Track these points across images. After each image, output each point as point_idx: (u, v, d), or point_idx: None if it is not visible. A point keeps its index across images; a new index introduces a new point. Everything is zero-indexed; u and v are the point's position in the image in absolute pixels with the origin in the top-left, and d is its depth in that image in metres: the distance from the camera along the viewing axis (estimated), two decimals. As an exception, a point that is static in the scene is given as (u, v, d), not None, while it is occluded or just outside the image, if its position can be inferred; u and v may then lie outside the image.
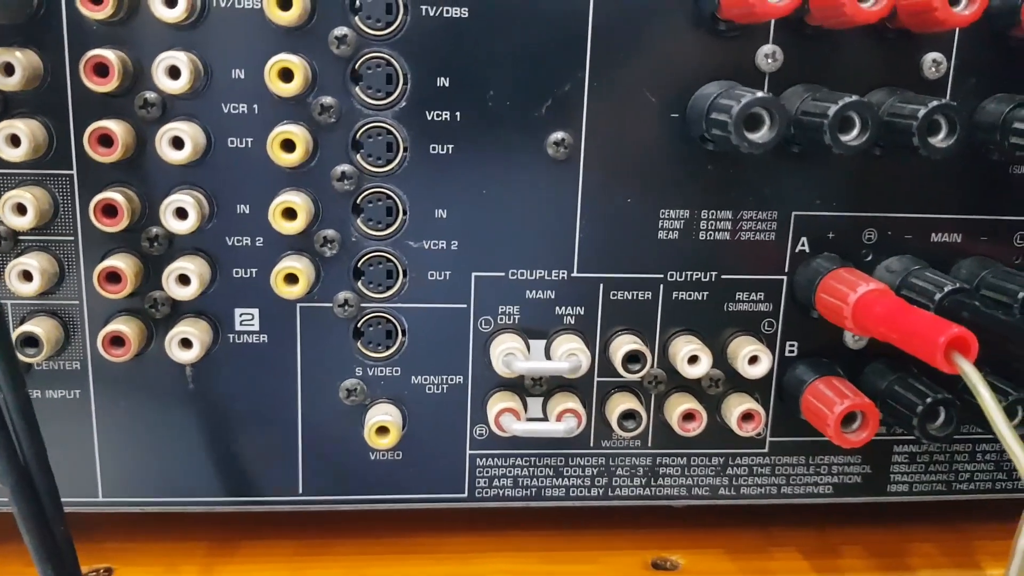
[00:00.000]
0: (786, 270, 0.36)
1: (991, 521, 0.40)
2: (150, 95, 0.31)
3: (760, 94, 0.30)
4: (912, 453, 0.39)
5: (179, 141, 0.31)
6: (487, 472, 0.37)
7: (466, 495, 0.37)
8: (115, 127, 0.31)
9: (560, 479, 0.37)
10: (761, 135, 0.30)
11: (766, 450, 0.38)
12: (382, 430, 0.34)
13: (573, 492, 0.37)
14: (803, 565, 0.39)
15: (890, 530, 0.41)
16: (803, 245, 0.35)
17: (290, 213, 0.32)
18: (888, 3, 0.30)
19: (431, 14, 0.32)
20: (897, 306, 0.31)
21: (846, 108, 0.30)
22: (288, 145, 0.31)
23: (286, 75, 0.31)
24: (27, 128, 0.30)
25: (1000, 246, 0.36)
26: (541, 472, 0.37)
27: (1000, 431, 0.26)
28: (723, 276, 0.35)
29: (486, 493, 0.37)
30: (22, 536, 0.27)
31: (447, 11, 0.32)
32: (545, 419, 0.35)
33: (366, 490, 0.36)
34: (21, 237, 0.32)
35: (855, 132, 0.31)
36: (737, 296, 0.36)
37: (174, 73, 0.30)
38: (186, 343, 0.33)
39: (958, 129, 0.31)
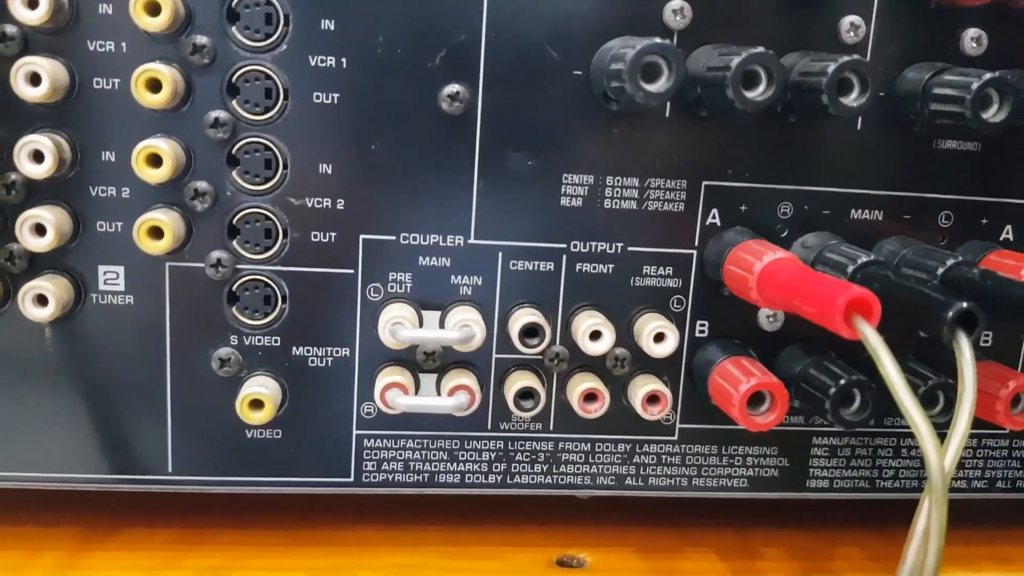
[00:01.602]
0: (696, 244, 0.34)
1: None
2: (9, 29, 0.29)
3: (657, 40, 0.28)
4: (832, 446, 0.36)
5: (37, 77, 0.29)
6: (375, 455, 0.34)
7: (352, 479, 0.34)
8: (-36, 59, 0.28)
9: (455, 464, 0.35)
10: (659, 86, 0.28)
11: (675, 437, 0.35)
12: (256, 403, 0.32)
13: (469, 479, 0.35)
14: (719, 566, 0.36)
15: (812, 531, 0.39)
16: (714, 218, 0.34)
17: (155, 160, 0.29)
18: (794, -49, 0.28)
19: (315, -49, 0.30)
20: (802, 272, 0.29)
21: (749, 60, 0.28)
22: (155, 85, 0.29)
23: (153, 9, 0.29)
24: None
25: (924, 225, 0.35)
26: (434, 456, 0.34)
27: (899, 398, 0.24)
28: (629, 248, 0.33)
29: (374, 478, 0.34)
30: None
31: (332, -55, 0.30)
32: (437, 395, 0.33)
33: (243, 471, 0.34)
34: None
35: (761, 88, 0.29)
36: (644, 270, 0.34)
37: (32, 3, 0.28)
38: (42, 299, 0.30)
39: (870, 86, 0.29)
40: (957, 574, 0.37)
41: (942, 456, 0.24)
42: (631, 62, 0.28)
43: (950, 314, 0.26)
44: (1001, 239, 0.35)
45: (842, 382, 0.31)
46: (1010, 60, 0.33)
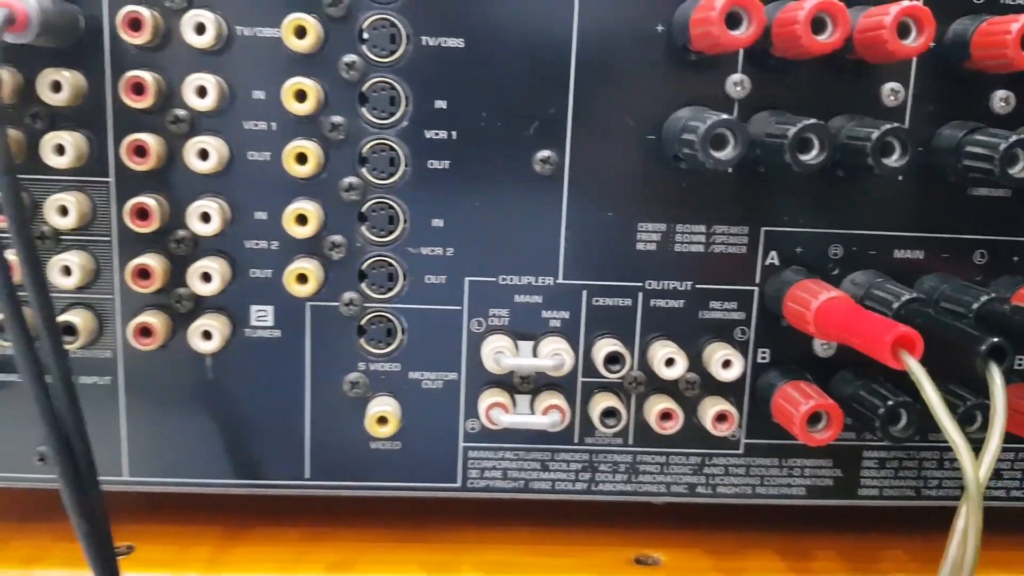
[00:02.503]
0: (757, 281, 0.38)
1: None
2: (180, 112, 0.35)
3: (724, 116, 0.33)
4: (881, 459, 0.41)
5: (205, 153, 0.35)
6: (478, 464, 0.40)
7: (459, 485, 0.40)
8: (149, 140, 0.35)
9: (546, 473, 0.40)
10: (725, 153, 0.33)
11: (741, 451, 0.40)
12: (382, 420, 0.37)
13: (558, 486, 0.40)
14: (779, 566, 0.41)
15: (862, 535, 0.43)
16: (773, 259, 0.38)
17: (302, 219, 0.36)
18: (841, 35, 0.33)
19: (430, 44, 0.35)
20: (854, 311, 0.33)
21: (805, 130, 0.33)
22: (302, 158, 0.35)
23: (301, 96, 0.35)
24: (72, 139, 0.34)
25: (960, 263, 0.39)
26: (529, 466, 0.40)
27: (940, 419, 0.29)
28: (698, 286, 0.38)
29: (477, 484, 0.40)
30: (62, 500, 0.31)
31: (445, 42, 0.35)
32: (532, 414, 0.38)
33: (367, 477, 0.39)
34: (63, 236, 0.36)
35: (814, 152, 0.34)
36: (711, 304, 0.39)
37: (202, 92, 0.34)
38: (207, 335, 0.36)
39: (910, 150, 0.34)
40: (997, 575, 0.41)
41: (977, 468, 0.28)
42: (702, 135, 0.33)
43: (983, 348, 0.31)
44: (1033, 274, 0.39)
45: (890, 403, 0.36)
46: (1037, 118, 0.37)
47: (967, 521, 0.28)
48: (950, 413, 0.30)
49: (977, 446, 0.29)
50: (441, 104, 0.36)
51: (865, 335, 0.32)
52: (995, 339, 0.30)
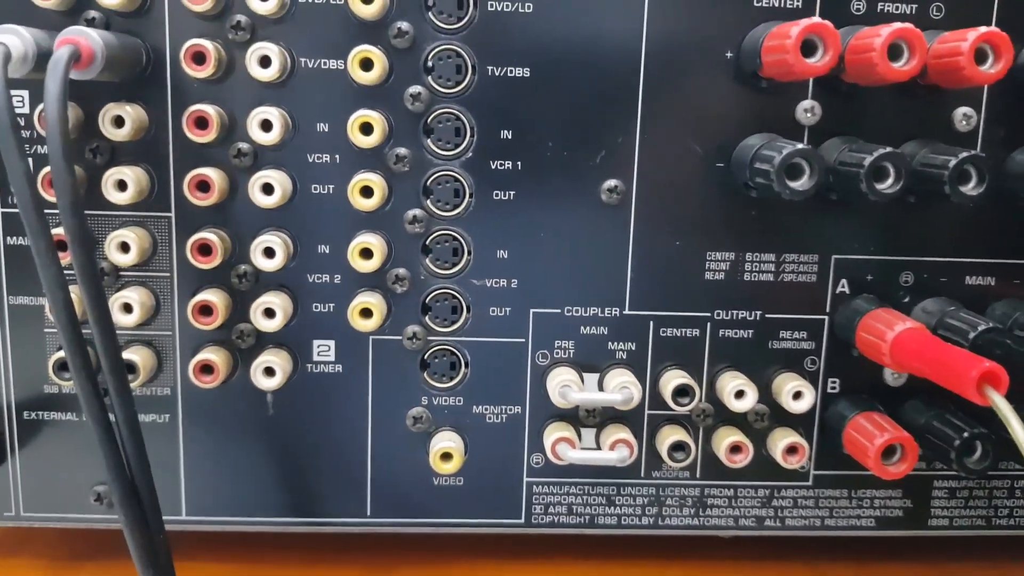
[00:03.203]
0: (827, 310, 0.38)
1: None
2: (243, 146, 0.34)
3: (800, 146, 0.32)
4: (952, 488, 0.40)
5: (269, 187, 0.34)
6: (543, 499, 0.39)
7: (523, 521, 0.39)
8: (212, 174, 0.34)
9: (612, 508, 0.39)
10: (802, 183, 0.33)
11: (810, 483, 0.39)
12: (446, 456, 0.37)
13: (625, 521, 0.39)
14: (846, 598, 0.40)
15: (932, 565, 0.42)
16: (843, 287, 0.38)
17: (367, 253, 0.35)
18: (918, 62, 0.32)
19: (496, 74, 0.35)
20: (932, 343, 0.33)
21: (881, 159, 0.33)
22: (367, 191, 0.34)
23: (366, 129, 0.34)
24: (133, 174, 0.34)
25: (1033, 289, 0.38)
26: (594, 500, 0.39)
27: (1030, 457, 0.28)
28: (767, 315, 0.38)
29: (542, 520, 0.39)
30: (127, 543, 0.30)
31: (510, 71, 0.35)
32: (599, 448, 0.37)
33: (430, 514, 0.39)
34: (123, 273, 0.36)
35: (889, 181, 0.33)
36: (781, 334, 0.38)
37: (266, 126, 0.34)
38: (269, 371, 0.36)
39: (987, 178, 0.33)
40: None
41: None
42: (778, 165, 0.32)
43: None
44: (1106, 299, 0.39)
45: (965, 435, 0.35)
46: (1111, 139, 0.37)
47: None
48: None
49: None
50: (507, 134, 0.35)
51: (946, 369, 0.31)
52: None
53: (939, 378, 0.32)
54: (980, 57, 0.33)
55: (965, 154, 0.33)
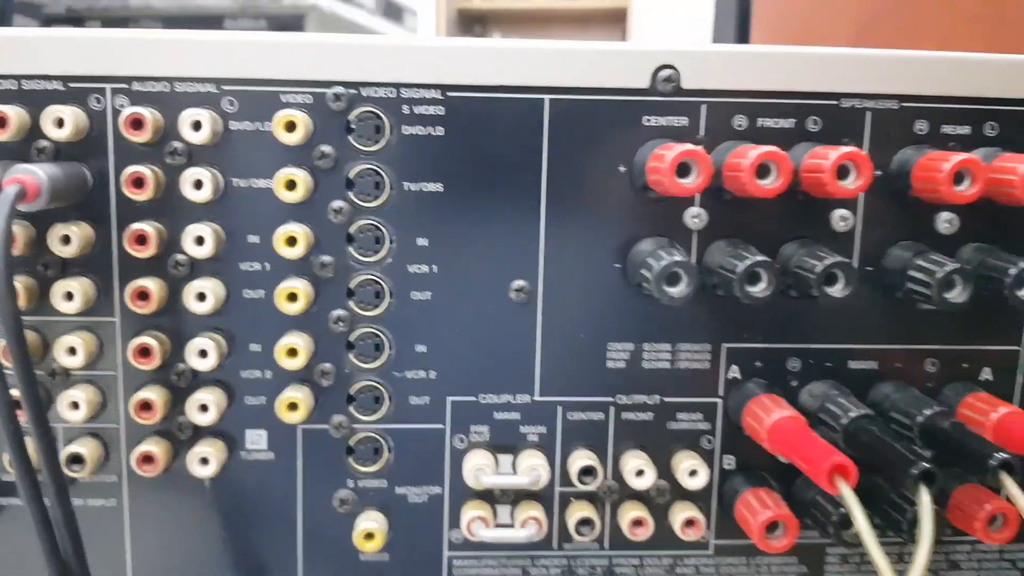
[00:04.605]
0: (720, 394, 0.41)
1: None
2: (181, 258, 0.38)
3: (677, 257, 0.36)
4: (843, 555, 0.43)
5: (203, 295, 0.38)
6: (462, 571, 0.42)
7: (444, 592, 0.42)
8: (151, 284, 0.37)
9: (527, 577, 0.42)
10: (678, 290, 0.36)
11: (711, 551, 0.43)
12: (368, 536, 0.40)
13: (539, 589, 0.43)
14: (753, 657, 0.43)
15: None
16: (734, 372, 0.41)
17: (292, 352, 0.38)
18: (784, 181, 0.36)
19: (411, 189, 0.38)
20: (799, 432, 0.36)
21: (753, 266, 0.36)
22: (292, 297, 0.38)
23: (291, 241, 0.37)
24: (80, 286, 0.37)
25: (913, 372, 0.42)
26: (510, 572, 0.42)
27: (867, 545, 0.32)
28: (665, 399, 0.41)
29: (462, 590, 0.42)
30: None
31: (424, 187, 0.38)
32: (511, 526, 0.41)
33: (357, 588, 0.42)
34: (72, 373, 0.39)
35: (762, 284, 0.37)
36: (679, 416, 0.41)
37: (200, 241, 0.37)
38: (204, 461, 0.39)
39: (853, 280, 0.37)
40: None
41: (904, 589, 0.31)
42: (657, 274, 0.36)
43: (913, 471, 0.33)
44: (980, 379, 0.42)
45: (842, 509, 0.39)
46: (978, 235, 0.40)
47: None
48: (876, 540, 0.32)
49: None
50: (423, 241, 0.39)
51: (807, 459, 0.35)
52: (926, 465, 0.33)
53: (802, 467, 0.35)
54: (843, 173, 0.36)
55: (831, 260, 0.37)
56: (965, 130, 0.40)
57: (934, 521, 0.32)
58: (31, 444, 0.34)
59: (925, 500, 0.33)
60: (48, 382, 0.39)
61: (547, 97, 0.38)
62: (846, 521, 0.39)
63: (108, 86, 0.37)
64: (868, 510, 0.38)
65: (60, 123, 0.36)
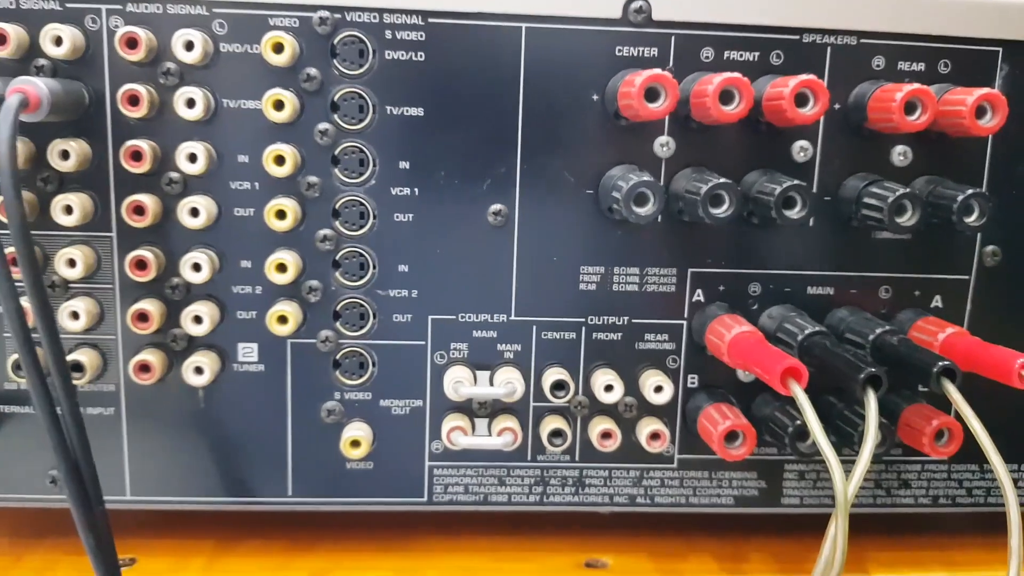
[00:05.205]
0: (686, 316, 0.44)
1: (874, 532, 0.47)
2: (174, 175, 0.40)
3: (645, 178, 0.38)
4: (801, 471, 0.46)
5: (196, 211, 0.40)
6: (443, 480, 0.45)
7: (425, 500, 0.45)
8: (146, 200, 0.39)
9: (503, 487, 0.45)
10: (646, 209, 0.38)
11: (675, 465, 0.45)
12: (355, 443, 0.42)
13: (514, 498, 0.45)
14: (714, 567, 0.46)
15: (791, 538, 0.48)
16: (699, 296, 0.43)
17: (282, 267, 0.40)
18: (746, 106, 0.38)
19: (394, 113, 0.40)
20: (756, 344, 0.39)
21: (716, 187, 0.38)
22: (281, 214, 0.40)
23: (280, 160, 0.40)
24: (78, 200, 0.39)
25: (868, 298, 0.44)
26: (487, 481, 0.45)
27: (817, 441, 0.34)
28: (634, 320, 0.44)
29: (442, 498, 0.45)
30: (72, 518, 0.35)
31: (407, 111, 0.40)
32: (488, 435, 0.43)
33: (344, 494, 0.44)
34: (71, 285, 0.41)
35: (724, 206, 0.39)
36: (646, 337, 0.44)
37: (192, 158, 0.39)
38: (199, 370, 0.41)
39: (809, 204, 0.39)
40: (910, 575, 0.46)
41: (846, 485, 0.34)
42: (626, 194, 0.38)
43: (860, 377, 0.36)
44: (932, 307, 0.45)
45: (798, 422, 0.41)
46: (929, 168, 0.43)
47: (836, 528, 0.33)
48: (826, 436, 0.35)
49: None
50: (405, 164, 0.41)
51: (763, 366, 0.37)
52: (872, 370, 0.35)
53: (759, 374, 0.37)
54: (802, 101, 0.39)
55: (788, 183, 0.39)
56: (920, 67, 0.42)
57: (879, 427, 0.35)
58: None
59: (871, 404, 0.35)
60: (48, 294, 0.41)
61: (524, 26, 0.40)
62: (803, 434, 0.41)
63: (103, 6, 0.38)
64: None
65: (58, 41, 0.37)
